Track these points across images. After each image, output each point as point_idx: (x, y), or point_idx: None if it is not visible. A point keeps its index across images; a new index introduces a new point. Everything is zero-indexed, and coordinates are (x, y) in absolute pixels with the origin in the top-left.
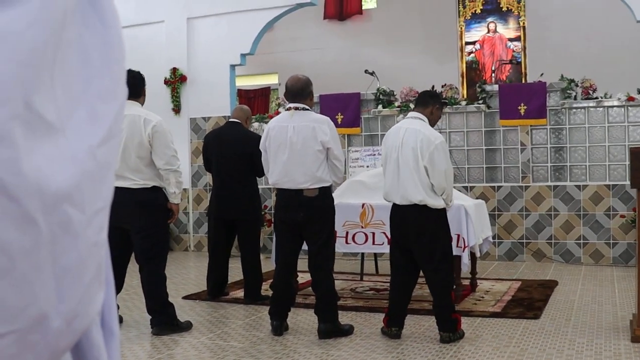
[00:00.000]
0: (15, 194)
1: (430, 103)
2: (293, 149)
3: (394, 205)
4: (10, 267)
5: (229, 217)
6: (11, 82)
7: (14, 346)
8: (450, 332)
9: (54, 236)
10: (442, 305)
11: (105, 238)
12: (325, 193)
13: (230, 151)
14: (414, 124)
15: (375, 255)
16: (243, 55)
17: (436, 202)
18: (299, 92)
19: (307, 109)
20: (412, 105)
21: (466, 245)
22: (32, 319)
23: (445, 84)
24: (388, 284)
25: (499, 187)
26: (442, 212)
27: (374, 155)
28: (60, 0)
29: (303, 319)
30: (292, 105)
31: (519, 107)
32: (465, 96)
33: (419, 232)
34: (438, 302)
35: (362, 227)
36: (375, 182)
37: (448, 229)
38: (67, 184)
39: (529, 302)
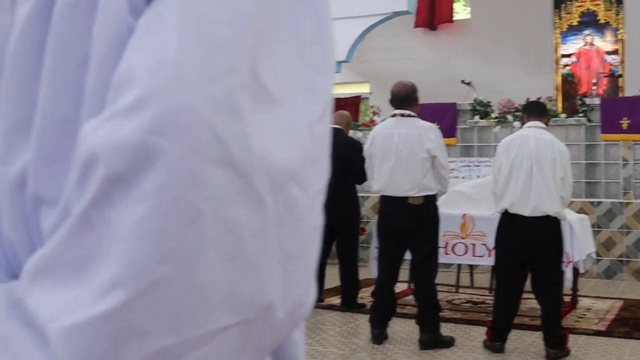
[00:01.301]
0: (245, 170)
1: (545, 114)
2: (399, 156)
3: (516, 217)
4: (240, 250)
5: (328, 223)
6: (238, 49)
7: (239, 338)
8: (557, 348)
9: (279, 218)
10: (553, 319)
11: (321, 223)
12: (431, 201)
13: (331, 157)
14: (543, 134)
15: (471, 267)
16: (339, 63)
17: (564, 214)
18: (405, 98)
19: (413, 116)
20: (509, 117)
21: (570, 260)
22: (259, 309)
23: (540, 97)
24: (484, 297)
25: (599, 202)
26: (561, 225)
27: (469, 166)
28: None
29: (401, 329)
30: (397, 111)
31: (621, 121)
32: (561, 109)
33: (548, 244)
34: (549, 316)
35: (462, 238)
36: (475, 192)
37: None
38: (293, 161)
39: (635, 322)
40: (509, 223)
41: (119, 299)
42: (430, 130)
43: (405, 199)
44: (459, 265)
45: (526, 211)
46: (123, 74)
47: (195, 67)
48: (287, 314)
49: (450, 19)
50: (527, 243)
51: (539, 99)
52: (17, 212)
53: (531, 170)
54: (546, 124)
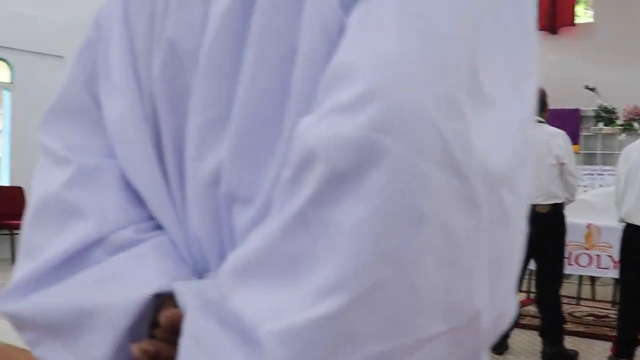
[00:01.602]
0: (464, 173)
1: None
2: None
3: (633, 227)
4: (456, 256)
5: None
6: (460, 46)
7: (448, 346)
8: None
9: (491, 222)
10: None
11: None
12: (558, 210)
13: None
14: None
15: (593, 278)
16: None
17: None
18: None
19: (542, 121)
20: (635, 124)
21: None
22: (469, 316)
23: None
24: (607, 311)
25: None
26: None
27: (592, 175)
28: None
29: (522, 339)
30: None
31: None
32: None
33: None
34: None
35: (586, 249)
36: (601, 201)
37: None
38: (505, 164)
39: None
40: (629, 233)
41: (339, 302)
42: (559, 137)
43: (532, 206)
44: (580, 277)
45: None
46: (339, 69)
47: (418, 63)
48: (491, 322)
49: (572, 23)
50: None
51: None
52: (209, 210)
53: None
54: None
